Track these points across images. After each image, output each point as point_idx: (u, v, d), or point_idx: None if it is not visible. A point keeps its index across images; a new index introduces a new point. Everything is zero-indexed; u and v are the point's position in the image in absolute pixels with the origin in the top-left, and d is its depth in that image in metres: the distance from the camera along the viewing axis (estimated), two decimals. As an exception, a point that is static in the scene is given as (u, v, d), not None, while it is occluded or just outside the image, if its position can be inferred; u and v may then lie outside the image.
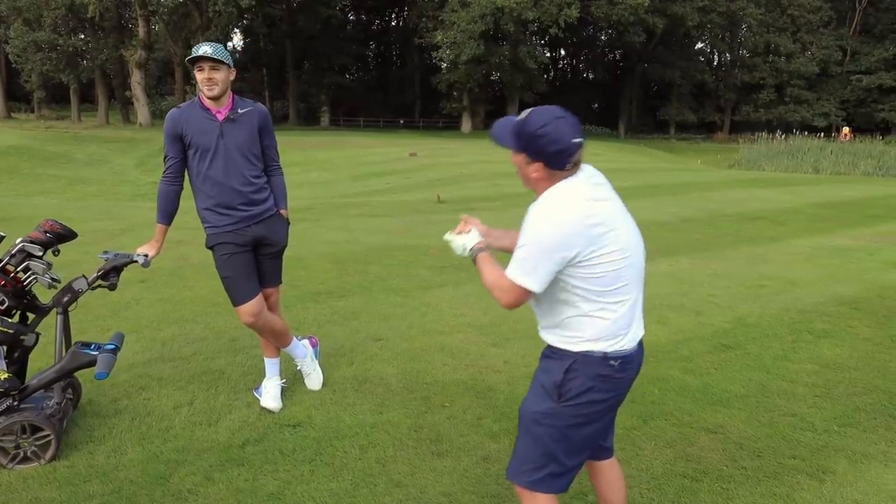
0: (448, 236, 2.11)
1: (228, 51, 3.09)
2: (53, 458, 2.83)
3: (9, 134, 24.19)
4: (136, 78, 39.50)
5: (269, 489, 2.73)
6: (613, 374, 1.87)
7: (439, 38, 38.65)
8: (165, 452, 2.99)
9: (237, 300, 3.19)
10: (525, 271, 1.79)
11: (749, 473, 2.89)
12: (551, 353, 1.96)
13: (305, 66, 49.44)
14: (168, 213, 3.28)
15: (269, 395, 3.43)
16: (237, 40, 55.46)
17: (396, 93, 55.53)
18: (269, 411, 3.37)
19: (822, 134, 35.70)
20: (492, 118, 49.87)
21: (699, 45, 57.29)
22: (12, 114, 44.60)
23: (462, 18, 36.18)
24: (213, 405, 3.47)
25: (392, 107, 54.29)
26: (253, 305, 3.19)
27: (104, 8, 37.59)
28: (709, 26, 48.90)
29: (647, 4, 38.05)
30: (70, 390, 3.11)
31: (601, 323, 1.83)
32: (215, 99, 3.06)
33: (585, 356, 1.85)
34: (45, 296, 3.16)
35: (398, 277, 6.20)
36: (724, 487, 2.78)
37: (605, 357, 1.85)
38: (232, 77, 3.09)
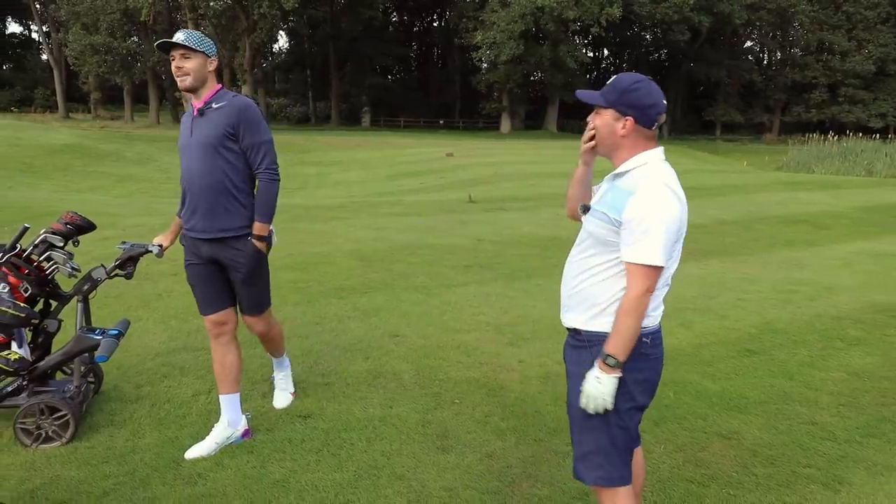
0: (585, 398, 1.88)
1: (204, 38, 2.79)
2: (73, 437, 2.96)
3: (66, 133, 25.28)
4: (185, 79, 40.68)
5: (276, 476, 2.80)
6: (648, 352, 1.87)
7: (479, 38, 38.63)
8: (180, 438, 3.09)
9: (199, 309, 3.01)
10: (655, 249, 1.73)
11: (760, 481, 2.82)
12: (581, 341, 1.93)
13: (347, 67, 50.08)
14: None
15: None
16: (282, 42, 56.67)
17: (437, 93, 55.73)
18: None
19: (878, 135, 34.23)
20: (531, 119, 49.78)
21: (748, 44, 55.73)
22: (70, 114, 46.52)
23: (502, 18, 36.07)
24: (230, 395, 3.56)
25: (432, 107, 54.51)
26: (211, 320, 2.97)
27: (156, 12, 38.88)
28: (758, 24, 47.48)
29: (692, 2, 37.20)
30: (91, 375, 3.26)
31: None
32: (190, 91, 2.78)
33: None
34: (66, 284, 3.32)
35: (422, 275, 6.24)
36: (731, 494, 2.72)
37: (654, 331, 1.88)
38: (211, 67, 2.79)
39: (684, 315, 5.08)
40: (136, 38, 44.06)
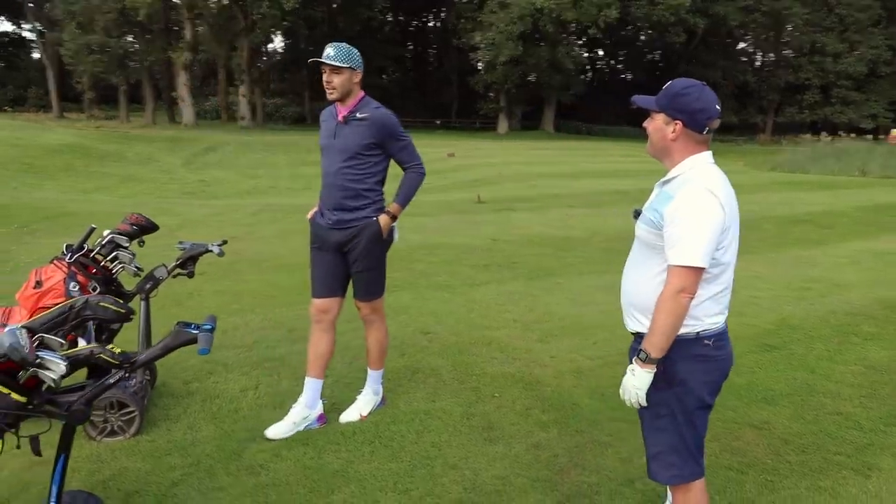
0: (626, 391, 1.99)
1: (352, 51, 3.01)
2: (137, 432, 3.08)
3: (63, 133, 25.22)
4: (183, 79, 40.68)
5: (334, 467, 2.93)
6: (711, 353, 1.94)
7: (478, 38, 38.77)
8: (237, 431, 3.22)
9: (312, 292, 3.26)
10: (692, 251, 1.79)
11: (794, 467, 2.97)
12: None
13: (344, 67, 50.00)
14: None
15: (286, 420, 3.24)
16: (278, 42, 56.59)
17: (433, 93, 55.82)
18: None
19: (871, 136, 34.60)
20: (528, 119, 49.93)
21: (741, 45, 56.12)
22: (64, 114, 46.31)
23: (501, 19, 36.24)
24: (277, 390, 3.69)
25: (429, 107, 54.59)
26: (319, 304, 3.23)
27: (153, 11, 38.80)
28: (752, 26, 47.84)
29: (688, 4, 37.48)
30: (148, 372, 3.38)
31: (695, 307, 1.89)
32: (337, 101, 3.06)
33: (678, 340, 1.90)
34: (128, 283, 3.44)
35: (443, 274, 6.37)
36: (769, 480, 2.87)
37: (697, 337, 1.92)
38: (356, 79, 3.03)
39: (703, 312, 5.23)
40: (130, 38, 43.95)
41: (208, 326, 2.07)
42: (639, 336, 2.02)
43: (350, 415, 3.37)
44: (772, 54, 54.86)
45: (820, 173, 24.53)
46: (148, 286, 3.17)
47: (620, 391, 1.98)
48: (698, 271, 1.82)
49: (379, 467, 2.93)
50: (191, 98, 41.21)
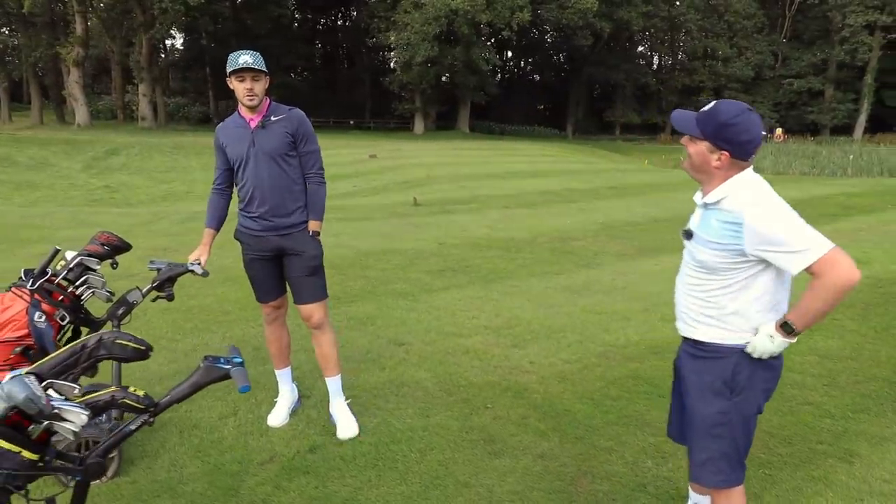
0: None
1: (261, 56, 3.05)
2: (116, 474, 2.79)
3: (-62, 135, 22.80)
4: (74, 77, 37.73)
5: (343, 495, 2.77)
6: (772, 362, 1.97)
7: (393, 38, 38.52)
8: (226, 464, 2.99)
9: (259, 298, 3.37)
10: (814, 238, 1.77)
11: (786, 459, 3.11)
12: (704, 350, 2.00)
13: (252, 66, 48.22)
14: (215, 219, 3.30)
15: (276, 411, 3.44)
16: (177, 38, 53.79)
17: (345, 93, 54.94)
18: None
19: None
20: (443, 119, 50.21)
21: (640, 49, 59.16)
22: (-67, 114, 41.85)
23: (416, 20, 36.20)
24: (258, 415, 3.46)
25: (341, 107, 53.64)
26: (272, 305, 3.36)
27: (38, 2, 35.77)
28: (651, 30, 50.58)
29: (595, 9, 39.03)
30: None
31: (765, 314, 1.91)
32: (254, 108, 3.05)
33: (744, 350, 1.93)
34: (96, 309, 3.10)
35: (399, 281, 6.24)
36: (767, 473, 2.99)
37: None
38: (266, 85, 3.06)
39: (661, 310, 5.42)
40: (6, 31, 40.31)
41: (239, 360, 1.88)
42: (694, 342, 2.04)
43: (348, 431, 3.28)
44: (668, 58, 58.25)
45: (720, 170, 26.24)
46: (120, 312, 2.87)
47: (750, 348, 1.92)
48: (836, 249, 1.76)
49: (389, 492, 2.80)
50: (84, 97, 38.34)
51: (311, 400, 3.66)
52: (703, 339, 2.01)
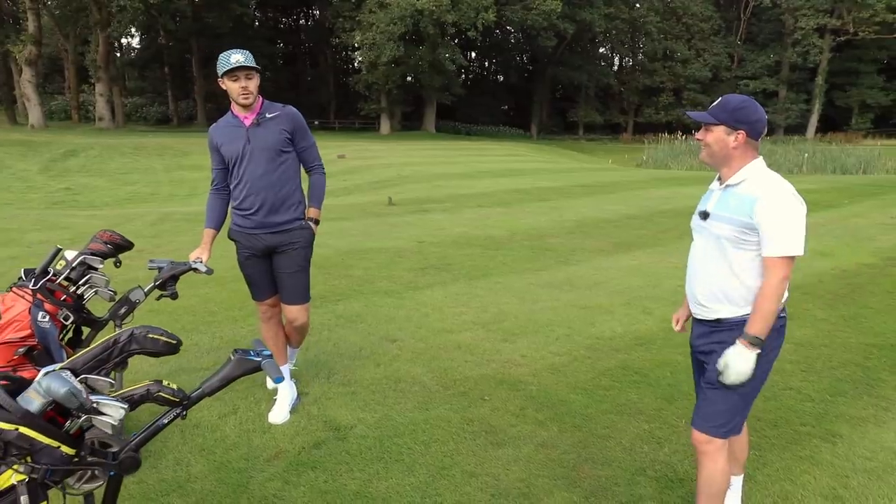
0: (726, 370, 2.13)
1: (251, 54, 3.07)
2: (122, 475, 2.76)
3: None
4: (27, 76, 36.41)
5: (352, 488, 2.80)
6: (783, 324, 2.20)
7: (358, 38, 38.32)
8: (232, 461, 2.98)
9: (255, 297, 3.44)
10: (795, 241, 2.01)
11: (774, 441, 3.26)
12: (724, 326, 2.19)
13: (212, 65, 47.47)
14: (214, 219, 3.34)
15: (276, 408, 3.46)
16: (133, 37, 52.43)
17: (309, 93, 54.44)
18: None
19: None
20: (408, 120, 50.17)
21: (602, 50, 60.14)
22: None
23: (381, 20, 36.09)
24: (258, 412, 3.46)
25: (305, 107, 52.56)
26: (268, 304, 3.44)
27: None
28: (613, 32, 51.49)
29: (559, 10, 39.53)
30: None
31: None
32: (248, 107, 3.08)
33: None
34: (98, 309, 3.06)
35: (383, 280, 6.27)
36: (758, 454, 3.13)
37: (782, 309, 2.16)
38: (258, 82, 3.08)
39: (642, 303, 5.58)
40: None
41: (267, 352, 1.91)
42: (716, 322, 2.21)
43: (281, 412, 3.41)
44: (629, 59, 59.36)
45: (681, 169, 26.95)
46: (122, 311, 2.84)
47: (723, 375, 2.11)
48: (794, 259, 2.05)
49: (398, 483, 2.85)
50: (38, 97, 37.07)
51: (309, 397, 3.67)
52: (726, 316, 2.18)
